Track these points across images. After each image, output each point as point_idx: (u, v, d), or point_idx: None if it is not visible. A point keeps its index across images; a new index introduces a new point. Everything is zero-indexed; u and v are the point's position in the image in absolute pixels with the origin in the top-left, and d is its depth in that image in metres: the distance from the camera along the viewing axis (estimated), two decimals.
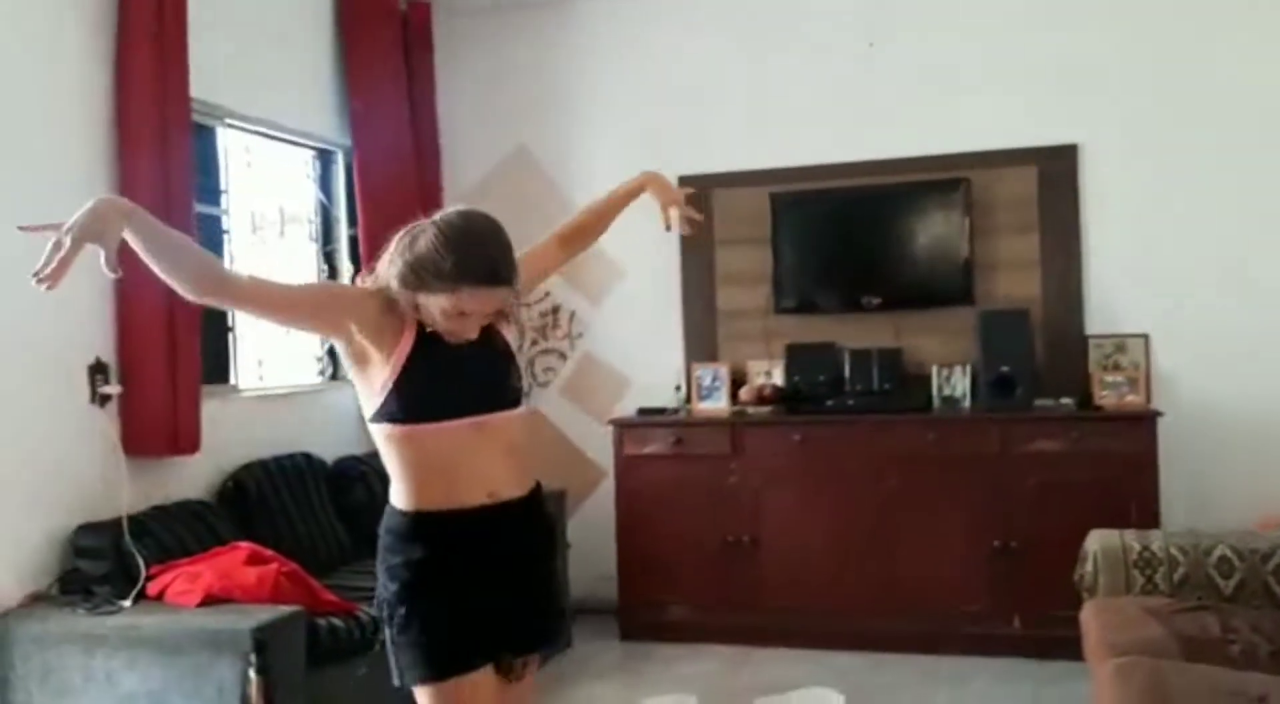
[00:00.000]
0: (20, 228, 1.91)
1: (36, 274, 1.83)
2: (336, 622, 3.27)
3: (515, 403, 2.20)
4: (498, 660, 2.17)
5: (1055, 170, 4.77)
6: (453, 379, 2.09)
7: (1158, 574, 3.47)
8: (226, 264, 2.14)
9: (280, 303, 2.10)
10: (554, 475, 5.06)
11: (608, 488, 5.06)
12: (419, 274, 2.01)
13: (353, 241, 4.99)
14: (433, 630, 2.10)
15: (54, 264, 1.82)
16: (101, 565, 3.26)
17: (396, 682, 2.15)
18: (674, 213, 2.61)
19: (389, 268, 2.07)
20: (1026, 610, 4.39)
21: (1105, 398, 4.59)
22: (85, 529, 3.32)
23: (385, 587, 2.15)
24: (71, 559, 3.32)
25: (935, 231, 4.85)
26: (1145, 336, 4.68)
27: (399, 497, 2.15)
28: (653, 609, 4.83)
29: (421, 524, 2.11)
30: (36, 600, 3.22)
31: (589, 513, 5.24)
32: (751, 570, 4.70)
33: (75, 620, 3.07)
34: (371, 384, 2.10)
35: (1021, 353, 4.57)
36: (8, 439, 3.21)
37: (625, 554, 4.87)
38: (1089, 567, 3.60)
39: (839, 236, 4.99)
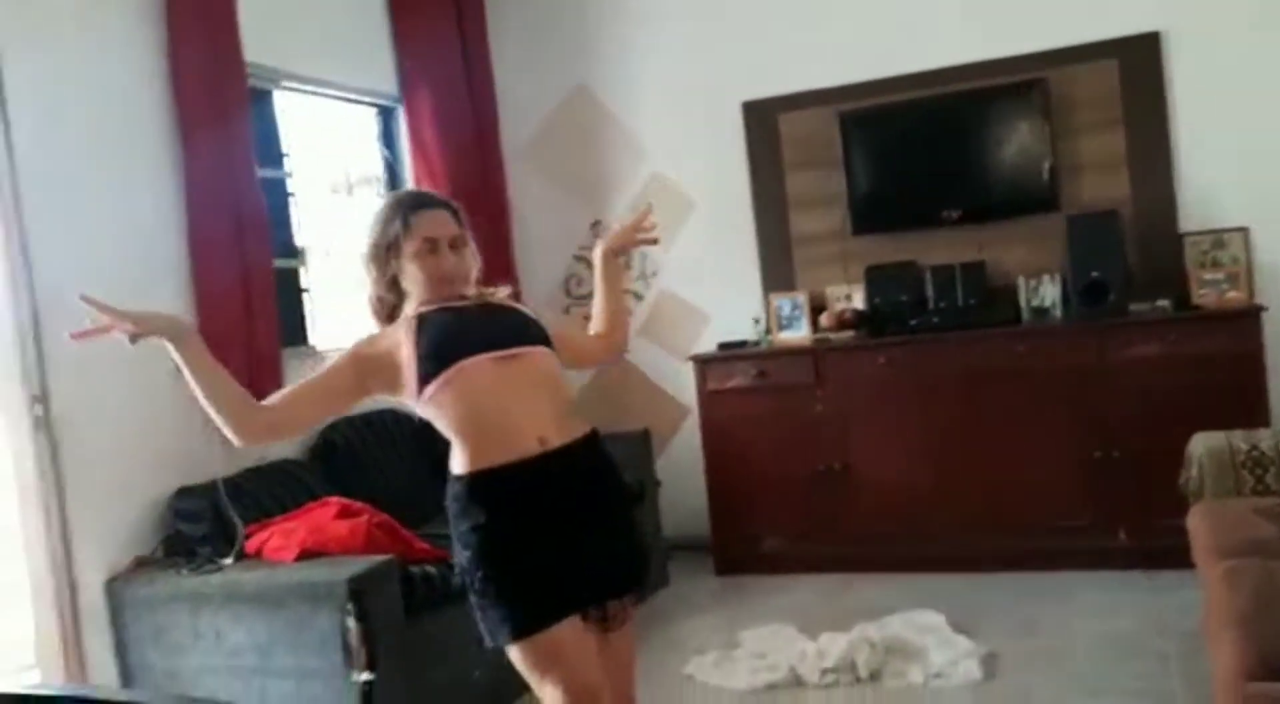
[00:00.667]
0: (73, 336, 2.05)
1: (73, 334, 2.03)
2: (430, 569, 3.30)
3: (534, 342, 2.22)
4: (584, 610, 2.16)
5: (1137, 63, 4.53)
6: (461, 331, 2.17)
7: (1268, 474, 3.33)
8: (274, 395, 2.19)
9: (321, 399, 2.20)
10: (638, 416, 5.11)
11: (693, 425, 5.03)
12: (378, 246, 2.22)
13: None
14: (511, 588, 2.10)
15: (91, 333, 2.00)
16: (201, 527, 3.35)
17: (488, 644, 2.15)
18: (640, 238, 2.52)
19: (371, 287, 2.27)
20: (1132, 521, 4.26)
21: (1204, 297, 4.39)
22: (183, 493, 3.41)
23: (460, 554, 2.17)
24: (173, 523, 3.41)
25: (1013, 137, 4.66)
26: (1244, 230, 4.45)
27: (456, 463, 2.16)
28: (746, 543, 4.81)
29: (479, 486, 2.12)
30: (143, 564, 3.33)
31: (676, 451, 5.22)
32: (843, 498, 4.64)
33: (180, 581, 3.16)
34: (412, 386, 2.14)
35: (1112, 257, 4.38)
36: (108, 412, 3.30)
37: (715, 489, 4.84)
38: (1194, 470, 3.47)
39: (912, 151, 4.83)
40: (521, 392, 2.15)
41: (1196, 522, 3.18)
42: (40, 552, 3.07)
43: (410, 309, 2.24)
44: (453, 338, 2.15)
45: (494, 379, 2.13)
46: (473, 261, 2.30)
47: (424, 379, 2.12)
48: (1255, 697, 2.08)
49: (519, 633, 2.09)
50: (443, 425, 2.16)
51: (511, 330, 2.23)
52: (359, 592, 2.90)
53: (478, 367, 2.12)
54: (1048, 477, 4.37)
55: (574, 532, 2.15)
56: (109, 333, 1.98)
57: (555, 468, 2.15)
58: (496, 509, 2.11)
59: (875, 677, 3.45)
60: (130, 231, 3.49)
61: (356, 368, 2.19)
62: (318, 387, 2.19)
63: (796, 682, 3.49)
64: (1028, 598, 4.08)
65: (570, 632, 2.12)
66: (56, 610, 3.06)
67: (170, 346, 2.04)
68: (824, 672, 3.47)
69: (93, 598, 3.19)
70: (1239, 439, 3.42)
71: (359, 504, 3.38)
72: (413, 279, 2.22)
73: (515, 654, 2.13)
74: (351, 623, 2.88)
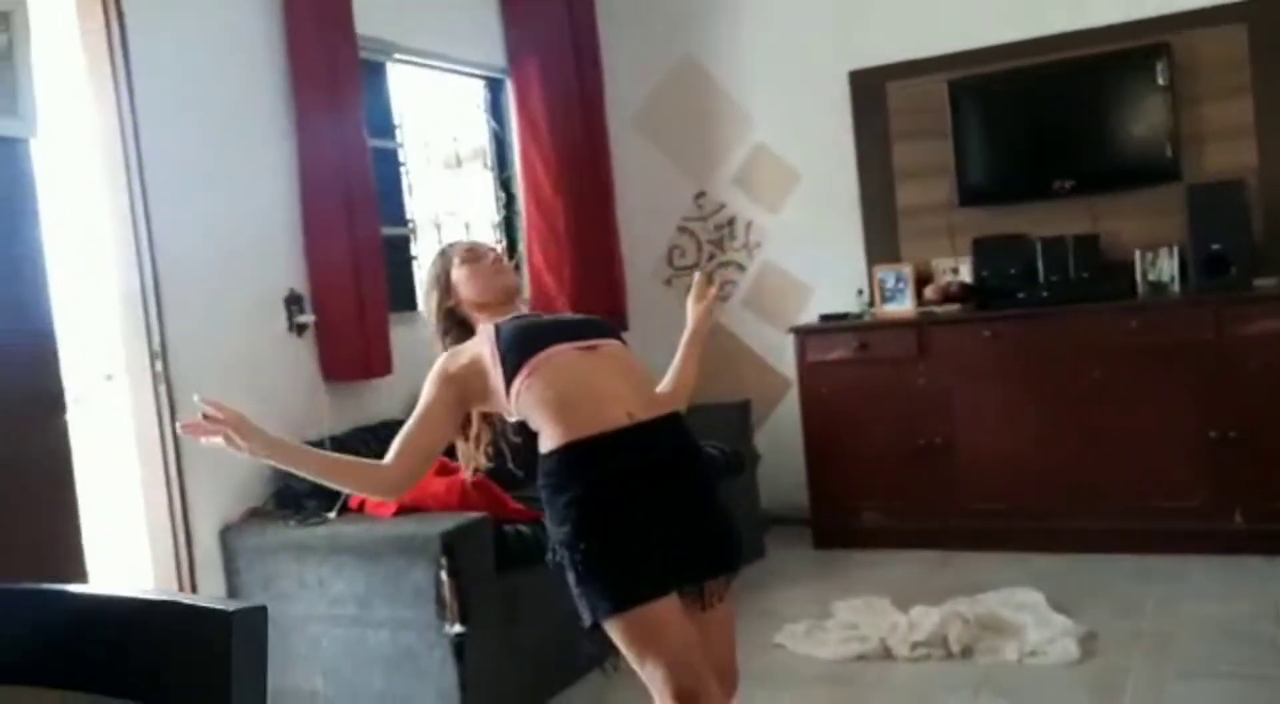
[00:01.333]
0: (183, 429, 2.16)
1: (183, 426, 2.15)
2: (523, 528, 3.38)
3: (611, 336, 2.31)
4: (681, 589, 2.15)
5: (1269, 24, 4.31)
6: (539, 329, 2.26)
7: None
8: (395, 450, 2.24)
9: (429, 436, 2.25)
10: (739, 388, 5.11)
11: (795, 398, 5.00)
12: (434, 278, 2.42)
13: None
14: (612, 562, 2.09)
15: (199, 433, 2.10)
16: (309, 483, 3.48)
17: (587, 621, 2.12)
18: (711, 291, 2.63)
19: (433, 311, 2.43)
20: (1249, 504, 4.10)
21: None
22: None
23: (557, 532, 2.15)
24: (283, 477, 3.56)
25: (1132, 105, 4.49)
26: None
27: (546, 441, 2.16)
28: (845, 516, 4.77)
29: (573, 458, 2.12)
30: (255, 515, 3.49)
31: (778, 423, 5.21)
32: (946, 473, 4.57)
33: (288, 532, 3.31)
34: (500, 385, 2.19)
35: (1236, 229, 4.19)
36: (222, 371, 3.46)
37: (814, 462, 4.82)
38: None
39: (1023, 121, 4.70)
40: (608, 374, 2.20)
41: None
42: (160, 501, 3.26)
43: (484, 323, 2.32)
44: (533, 334, 2.22)
45: (579, 363, 2.18)
46: (516, 277, 2.44)
47: (510, 374, 2.16)
48: None
49: (621, 605, 2.07)
50: (535, 415, 2.17)
51: (589, 327, 2.33)
52: (451, 546, 3.00)
53: (563, 353, 2.18)
54: (1160, 456, 4.22)
55: (668, 508, 2.16)
56: (215, 436, 2.07)
57: (646, 440, 2.17)
58: (592, 480, 2.12)
59: (967, 653, 3.41)
60: (245, 200, 3.64)
61: (450, 390, 2.25)
62: (422, 427, 2.24)
63: (886, 654, 3.47)
64: (1134, 579, 3.97)
65: (671, 608, 2.10)
66: (174, 556, 3.24)
67: (275, 462, 2.20)
68: (914, 645, 3.44)
69: (207, 546, 3.37)
70: None
71: (455, 463, 3.47)
72: (465, 284, 2.36)
73: (616, 629, 2.09)
74: (444, 576, 2.99)
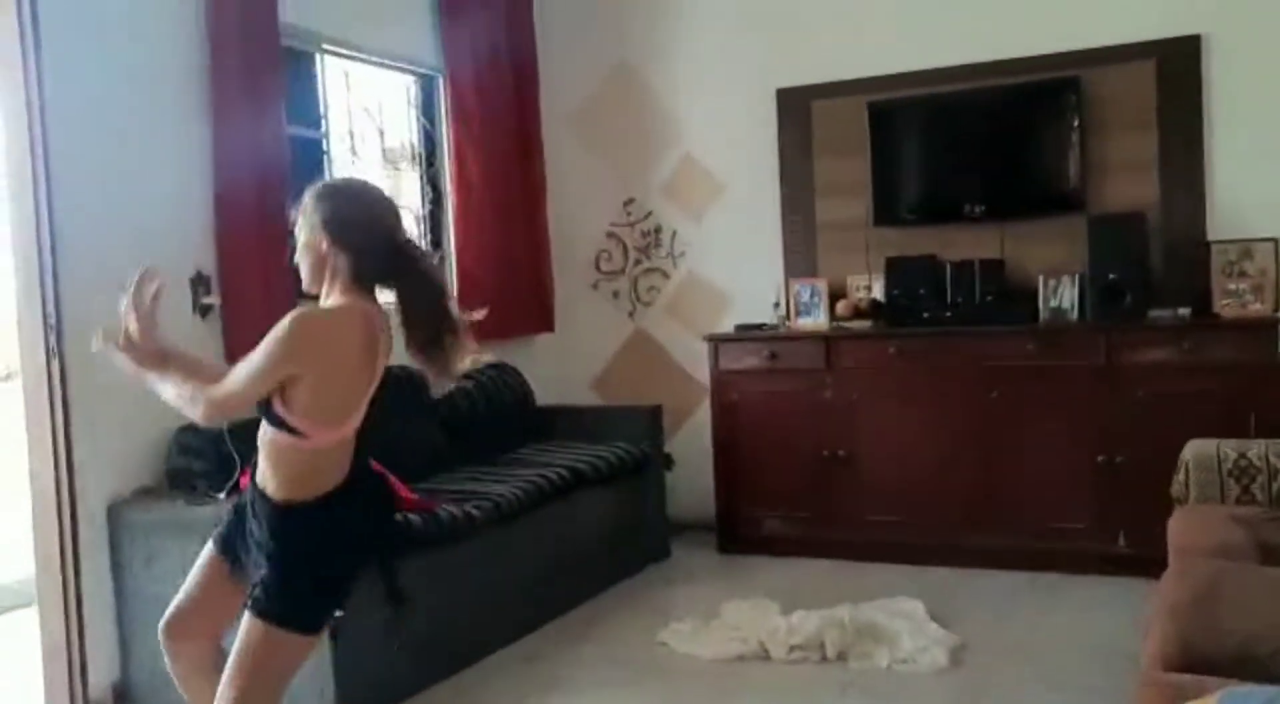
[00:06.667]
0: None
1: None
2: (415, 518, 3.43)
3: None
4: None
5: (1175, 65, 4.46)
6: None
7: (1255, 484, 3.29)
8: None
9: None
10: (658, 393, 5.19)
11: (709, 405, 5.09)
12: None
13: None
14: None
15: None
16: (202, 463, 3.50)
17: None
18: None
19: None
20: (1132, 527, 4.21)
21: (1227, 307, 4.32)
22: (187, 430, 3.56)
23: None
24: (177, 457, 3.58)
25: (1043, 136, 4.64)
26: (1275, 241, 4.36)
27: None
28: (750, 523, 4.86)
29: None
30: (146, 493, 3.50)
31: (693, 430, 5.28)
32: (847, 485, 4.67)
33: (175, 510, 3.33)
34: None
35: (1132, 260, 4.34)
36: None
37: (721, 468, 4.91)
38: (1182, 476, 3.44)
39: (940, 145, 4.83)
40: None
41: (1174, 524, 3.16)
42: (47, 472, 3.26)
43: None
44: None
45: None
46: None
47: None
48: (1161, 684, 2.09)
49: None
50: None
51: None
52: None
53: None
54: (1050, 477, 4.35)
55: None
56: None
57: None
58: None
59: (842, 657, 3.49)
60: (154, 181, 3.63)
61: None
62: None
63: (764, 655, 3.55)
64: (1016, 595, 4.08)
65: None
66: (58, 526, 3.25)
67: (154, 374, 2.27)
68: (792, 648, 3.52)
69: (94, 519, 3.37)
70: (1229, 447, 3.37)
71: None
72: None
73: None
74: None
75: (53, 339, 3.25)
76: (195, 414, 2.21)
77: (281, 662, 2.26)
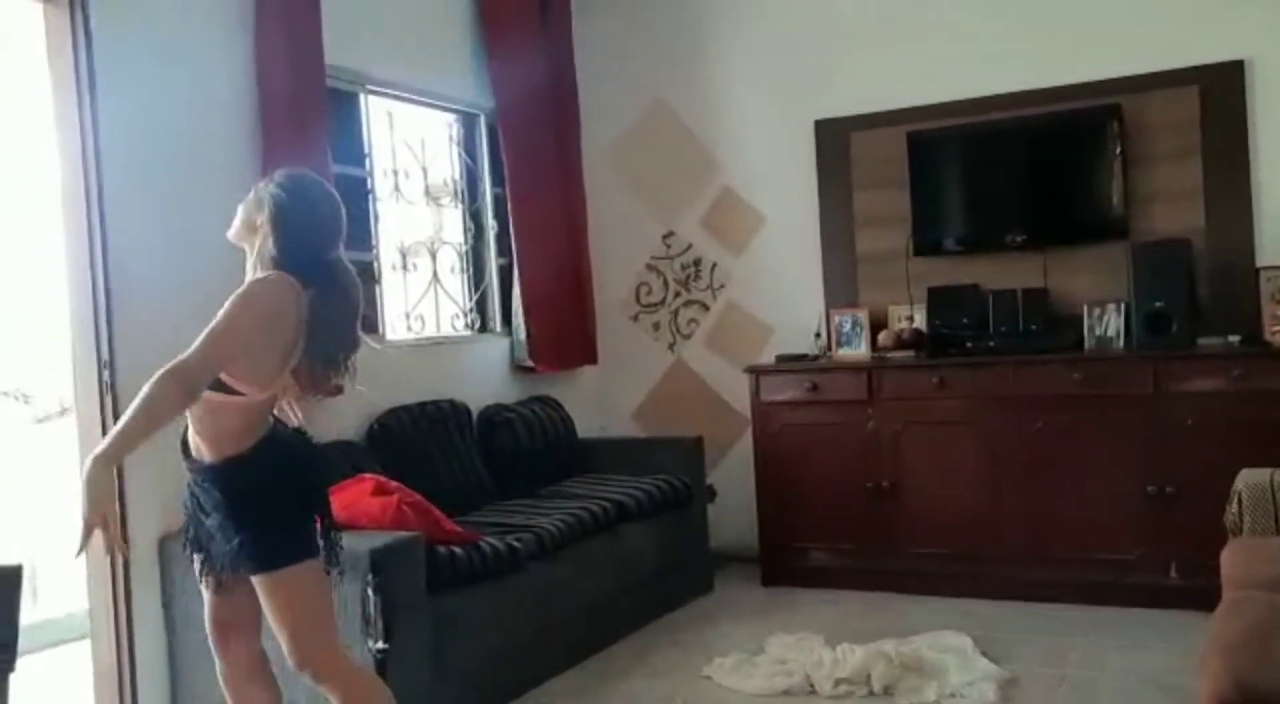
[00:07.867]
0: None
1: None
2: (457, 550, 3.45)
3: None
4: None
5: (1219, 91, 4.42)
6: None
7: None
8: None
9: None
10: (699, 425, 5.19)
11: (751, 436, 5.08)
12: None
13: (497, 200, 5.18)
14: None
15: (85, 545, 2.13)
16: None
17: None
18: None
19: None
20: (1184, 559, 4.14)
21: (1278, 334, 4.25)
22: None
23: None
24: None
25: (1084, 163, 4.60)
26: None
27: None
28: (793, 555, 4.83)
29: None
30: None
31: (735, 461, 5.27)
32: (892, 516, 4.63)
33: None
34: None
35: (1178, 287, 4.29)
36: None
37: (765, 500, 4.88)
38: (1235, 506, 3.38)
39: (980, 174, 4.82)
40: None
41: (1228, 556, 3.11)
42: None
43: None
44: None
45: None
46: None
47: None
48: None
49: None
50: None
51: None
52: (380, 564, 3.05)
53: None
54: (1099, 508, 4.29)
55: None
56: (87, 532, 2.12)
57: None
58: None
59: (889, 691, 3.45)
60: (207, 214, 3.66)
61: None
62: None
63: (810, 690, 3.51)
64: (1066, 629, 4.01)
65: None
66: (110, 560, 3.29)
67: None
68: (838, 682, 3.48)
69: (145, 552, 3.42)
70: None
71: (394, 483, 3.54)
72: None
73: None
74: (370, 593, 3.04)
75: (107, 375, 3.32)
76: (172, 392, 2.21)
77: (309, 596, 2.41)
